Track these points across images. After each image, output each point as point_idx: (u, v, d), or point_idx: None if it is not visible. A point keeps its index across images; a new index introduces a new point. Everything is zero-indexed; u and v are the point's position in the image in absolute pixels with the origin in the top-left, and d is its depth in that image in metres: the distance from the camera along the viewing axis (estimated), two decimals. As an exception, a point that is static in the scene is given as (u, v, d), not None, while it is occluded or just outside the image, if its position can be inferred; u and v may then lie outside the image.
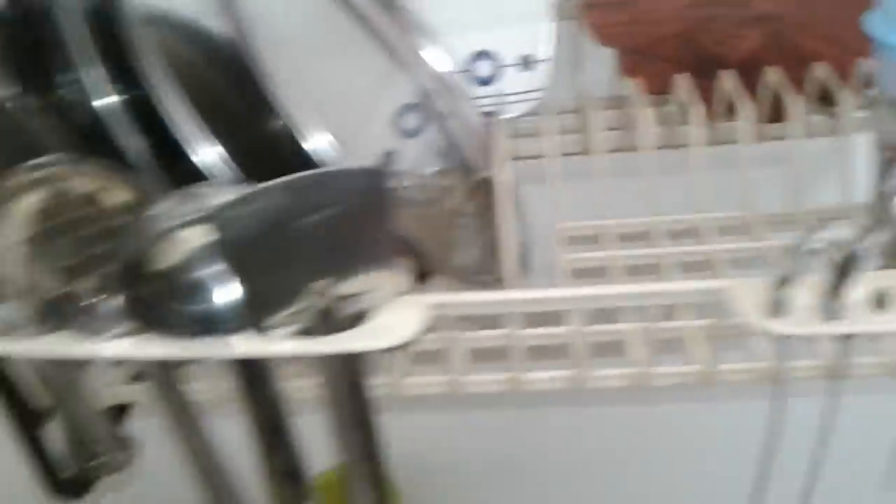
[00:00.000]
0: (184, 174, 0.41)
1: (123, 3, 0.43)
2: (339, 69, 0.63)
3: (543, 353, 0.46)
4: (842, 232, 0.34)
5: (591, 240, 0.56)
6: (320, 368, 0.40)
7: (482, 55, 0.66)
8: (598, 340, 0.45)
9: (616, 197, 0.57)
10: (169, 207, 0.35)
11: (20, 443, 0.45)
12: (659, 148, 0.57)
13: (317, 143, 0.42)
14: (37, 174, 0.34)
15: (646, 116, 0.54)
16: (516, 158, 0.65)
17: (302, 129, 0.42)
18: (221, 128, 0.42)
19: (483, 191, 0.65)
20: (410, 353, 0.46)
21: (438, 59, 0.65)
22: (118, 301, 0.36)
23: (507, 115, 0.65)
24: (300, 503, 0.47)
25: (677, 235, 0.55)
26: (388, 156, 0.40)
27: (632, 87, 0.59)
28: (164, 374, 0.39)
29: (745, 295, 0.36)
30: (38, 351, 0.37)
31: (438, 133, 0.66)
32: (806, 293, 0.35)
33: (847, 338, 0.38)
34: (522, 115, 0.65)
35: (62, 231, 0.35)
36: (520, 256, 0.55)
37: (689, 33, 0.62)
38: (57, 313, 0.36)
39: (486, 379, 0.44)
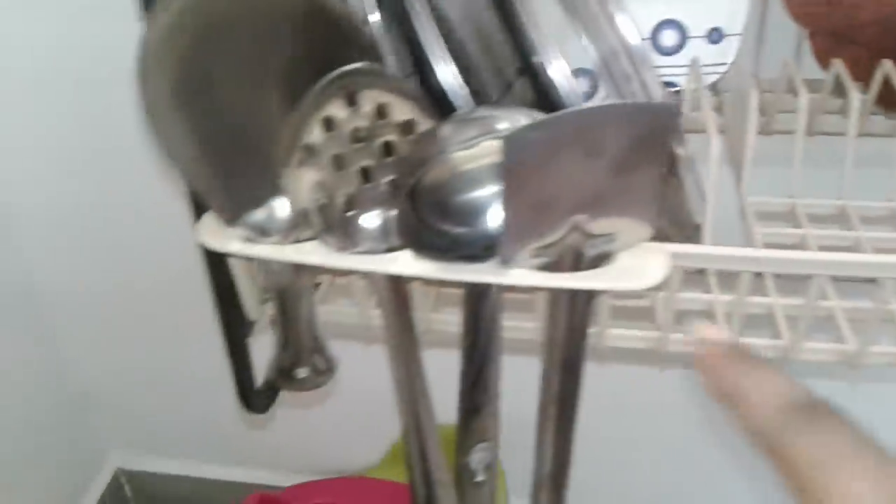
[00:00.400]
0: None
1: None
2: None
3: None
4: None
5: (781, 217, 0.55)
6: (551, 306, 0.40)
7: (669, 24, 0.65)
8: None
9: (800, 178, 0.56)
10: (453, 129, 0.35)
11: (229, 349, 0.46)
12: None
13: (559, 72, 0.42)
14: (341, 82, 0.35)
15: (854, 101, 0.53)
16: (689, 132, 0.65)
17: (548, 58, 0.42)
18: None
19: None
20: (610, 306, 0.46)
21: (624, 24, 0.64)
22: (379, 216, 0.37)
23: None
24: (480, 442, 0.47)
25: (870, 221, 0.54)
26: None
27: (840, 69, 0.58)
28: (399, 297, 0.40)
29: None
30: (291, 256, 0.38)
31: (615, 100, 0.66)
32: None
33: None
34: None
35: (346, 141, 0.36)
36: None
37: (890, 21, 0.61)
38: (322, 221, 0.37)
39: (691, 339, 0.44)
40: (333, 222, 0.36)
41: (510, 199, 0.35)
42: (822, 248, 0.52)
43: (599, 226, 0.37)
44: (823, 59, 0.61)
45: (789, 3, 0.61)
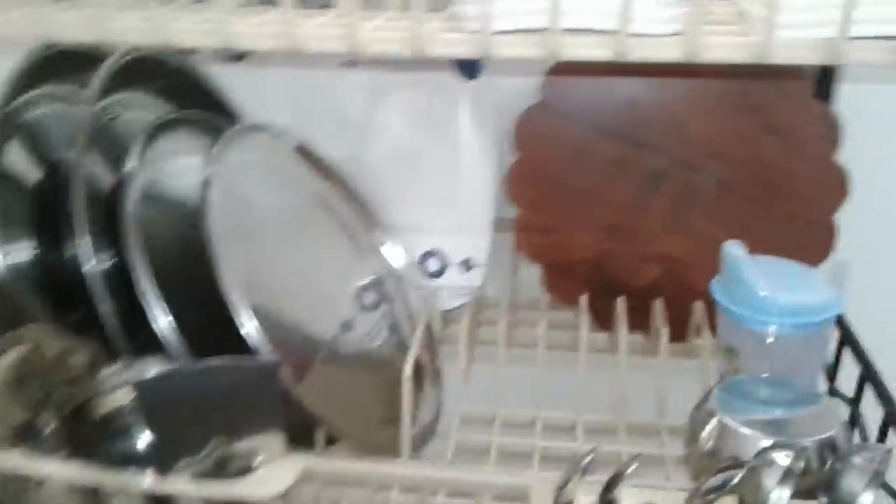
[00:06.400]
0: (145, 337, 0.54)
1: (128, 179, 0.57)
2: (312, 252, 0.76)
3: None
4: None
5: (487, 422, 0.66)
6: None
7: (432, 253, 0.79)
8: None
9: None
10: (113, 372, 0.47)
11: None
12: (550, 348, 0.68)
13: (249, 327, 0.54)
14: (16, 339, 0.47)
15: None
16: (446, 343, 0.77)
17: (239, 316, 0.54)
18: (183, 299, 0.55)
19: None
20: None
21: (388, 252, 0.79)
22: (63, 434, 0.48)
23: (447, 306, 0.77)
24: None
25: (559, 430, 0.65)
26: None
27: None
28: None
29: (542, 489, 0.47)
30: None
31: (390, 312, 0.78)
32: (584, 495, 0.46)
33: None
34: (458, 307, 0.78)
35: (33, 377, 0.47)
36: (420, 435, 0.66)
37: (600, 261, 0.74)
38: (20, 437, 0.48)
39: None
40: (31, 437, 0.47)
41: (151, 427, 0.46)
42: (509, 455, 0.63)
43: (239, 446, 0.48)
44: (550, 289, 0.74)
45: (520, 244, 0.75)
